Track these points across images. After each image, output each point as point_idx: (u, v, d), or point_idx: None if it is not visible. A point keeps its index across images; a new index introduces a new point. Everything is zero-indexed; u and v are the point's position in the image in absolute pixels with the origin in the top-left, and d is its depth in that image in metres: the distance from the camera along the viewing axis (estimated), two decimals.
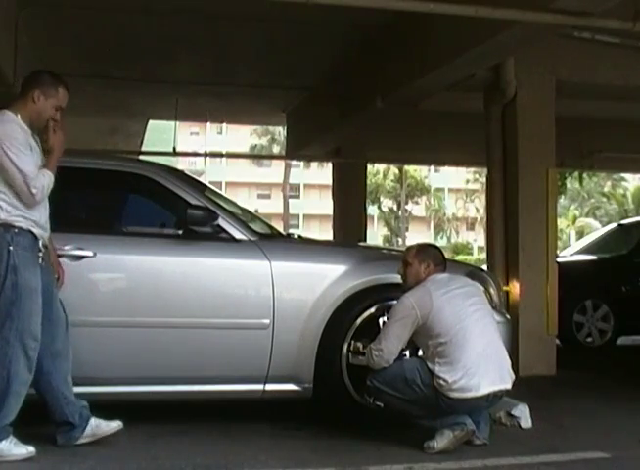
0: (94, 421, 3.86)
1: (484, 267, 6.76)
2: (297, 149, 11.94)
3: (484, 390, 3.88)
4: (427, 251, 4.32)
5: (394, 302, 4.31)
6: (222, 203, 4.62)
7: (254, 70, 9.40)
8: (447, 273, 4.27)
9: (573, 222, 41.45)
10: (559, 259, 7.44)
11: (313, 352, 4.30)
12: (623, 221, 11.27)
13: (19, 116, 3.73)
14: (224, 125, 40.79)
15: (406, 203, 44.05)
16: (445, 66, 6.47)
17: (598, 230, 14.02)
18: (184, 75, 9.57)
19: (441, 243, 45.31)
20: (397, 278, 4.37)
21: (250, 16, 7.18)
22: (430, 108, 8.17)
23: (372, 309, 4.41)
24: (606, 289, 8.59)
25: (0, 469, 3.51)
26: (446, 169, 37.27)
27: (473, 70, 6.68)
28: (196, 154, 26.65)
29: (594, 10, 5.08)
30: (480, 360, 3.91)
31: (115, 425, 3.88)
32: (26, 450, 3.62)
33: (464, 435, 3.92)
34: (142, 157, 11.49)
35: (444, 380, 3.87)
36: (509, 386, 4.04)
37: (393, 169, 40.67)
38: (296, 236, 5.34)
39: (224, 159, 37.39)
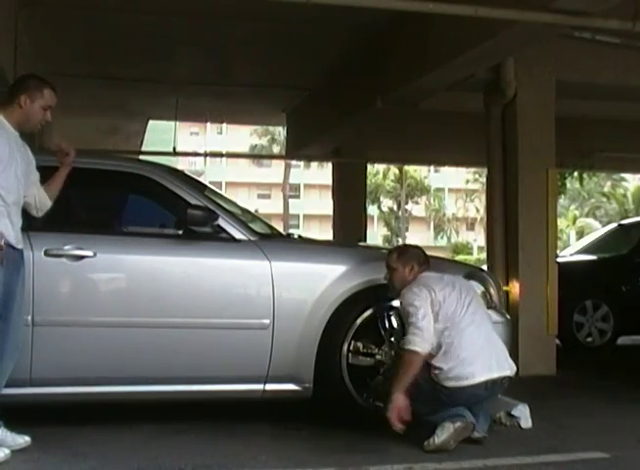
0: (1, 432, 3.74)
1: (484, 267, 6.76)
2: (297, 149, 11.94)
3: (480, 378, 3.90)
4: (408, 252, 4.34)
5: (394, 302, 4.32)
6: (222, 203, 4.62)
7: (254, 70, 9.40)
8: (440, 273, 4.28)
9: (573, 222, 41.44)
10: (559, 259, 7.43)
11: (313, 353, 4.30)
12: (623, 221, 11.26)
13: (2, 115, 3.76)
14: (224, 125, 40.78)
15: (406, 203, 44.03)
16: (445, 66, 6.48)
17: (598, 230, 14.01)
18: (184, 75, 9.57)
19: (441, 243, 45.44)
20: None
21: (249, 16, 7.18)
22: (430, 108, 8.17)
23: (372, 310, 4.41)
24: (606, 289, 8.58)
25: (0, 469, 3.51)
26: (446, 169, 37.24)
27: (473, 70, 6.68)
28: (196, 154, 26.57)
29: (594, 10, 5.08)
30: (474, 349, 3.94)
31: (22, 441, 3.77)
32: (3, 453, 3.60)
33: (464, 427, 3.93)
34: (142, 157, 11.49)
35: (439, 369, 3.91)
36: (508, 373, 4.04)
37: (393, 169, 40.65)
38: (296, 236, 5.34)
39: (224, 159, 37.36)
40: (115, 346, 4.17)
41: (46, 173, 3.99)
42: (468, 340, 3.96)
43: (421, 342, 3.94)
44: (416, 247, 4.47)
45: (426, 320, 3.97)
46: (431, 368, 3.95)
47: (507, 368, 4.05)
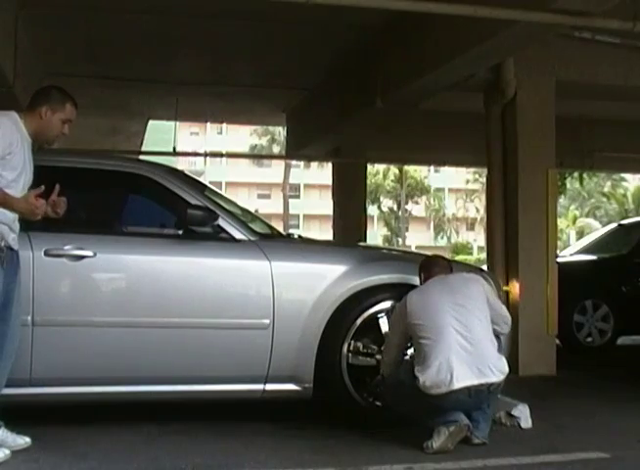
0: (1, 433, 3.74)
1: (484, 267, 6.76)
2: (297, 149, 11.93)
3: (459, 384, 3.87)
4: (421, 264, 4.44)
5: (394, 302, 4.32)
6: (222, 203, 4.62)
7: (254, 70, 9.39)
8: (442, 275, 4.30)
9: (573, 222, 41.45)
10: (559, 259, 7.43)
11: (313, 353, 4.31)
12: (623, 221, 11.25)
13: (23, 122, 3.77)
14: (224, 125, 40.79)
15: (406, 203, 44.04)
16: (445, 66, 6.47)
17: (598, 230, 14.00)
18: (184, 75, 9.57)
19: (441, 243, 45.46)
20: (397, 278, 4.39)
21: (249, 16, 7.18)
22: (430, 108, 8.17)
23: (372, 310, 4.41)
24: (606, 289, 8.57)
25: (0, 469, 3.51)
26: (446, 169, 37.26)
27: (473, 70, 6.68)
28: (196, 154, 26.59)
29: (594, 10, 5.08)
30: (452, 356, 3.92)
31: (23, 442, 3.77)
32: (3, 454, 3.60)
33: (459, 430, 3.92)
34: (142, 157, 11.49)
35: (418, 378, 3.92)
36: (493, 379, 3.98)
37: (393, 169, 40.66)
38: (296, 236, 5.34)
39: (224, 159, 37.36)
40: (115, 346, 4.17)
41: (43, 173, 3.98)
42: (447, 347, 3.93)
43: (387, 370, 4.25)
44: (429, 256, 4.63)
45: (390, 349, 4.26)
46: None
47: (492, 375, 3.98)
